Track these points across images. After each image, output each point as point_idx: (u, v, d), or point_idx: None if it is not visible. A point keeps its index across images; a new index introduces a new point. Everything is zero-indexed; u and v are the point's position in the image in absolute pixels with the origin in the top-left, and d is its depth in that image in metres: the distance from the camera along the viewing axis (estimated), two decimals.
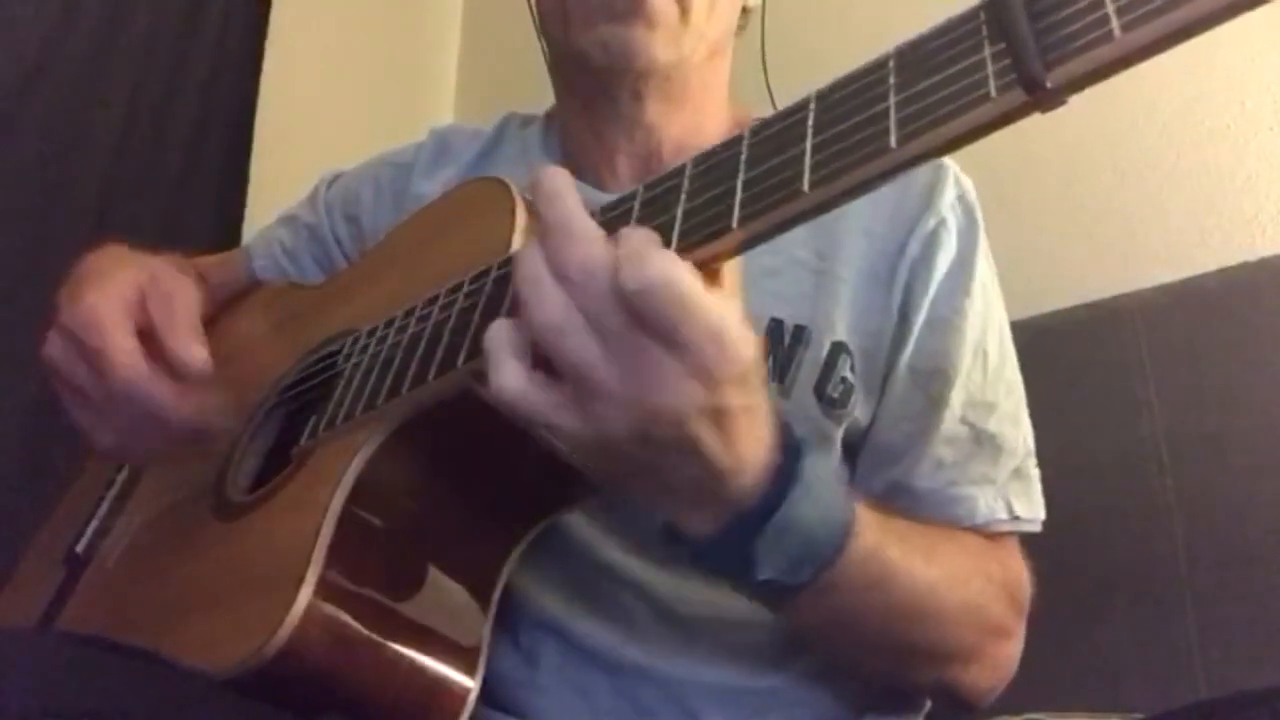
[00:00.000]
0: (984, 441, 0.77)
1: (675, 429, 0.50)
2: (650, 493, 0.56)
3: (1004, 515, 0.76)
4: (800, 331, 0.77)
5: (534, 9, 0.90)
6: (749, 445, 0.54)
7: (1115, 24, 0.35)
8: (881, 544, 0.63)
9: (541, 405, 0.51)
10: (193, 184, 1.60)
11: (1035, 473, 0.81)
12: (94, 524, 0.84)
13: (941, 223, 0.80)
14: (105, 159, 1.49)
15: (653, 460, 0.52)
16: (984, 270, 0.81)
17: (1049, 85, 0.37)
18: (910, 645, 0.70)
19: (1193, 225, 1.21)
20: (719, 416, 0.51)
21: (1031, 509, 0.79)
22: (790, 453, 0.56)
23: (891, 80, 0.42)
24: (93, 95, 1.49)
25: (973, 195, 0.83)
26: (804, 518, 0.57)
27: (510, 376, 0.51)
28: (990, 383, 0.79)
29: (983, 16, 0.40)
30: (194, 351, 0.71)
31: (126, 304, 0.74)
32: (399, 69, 2.04)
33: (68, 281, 0.81)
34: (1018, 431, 0.80)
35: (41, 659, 0.52)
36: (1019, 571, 0.76)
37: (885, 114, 0.41)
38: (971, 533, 0.76)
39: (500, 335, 0.52)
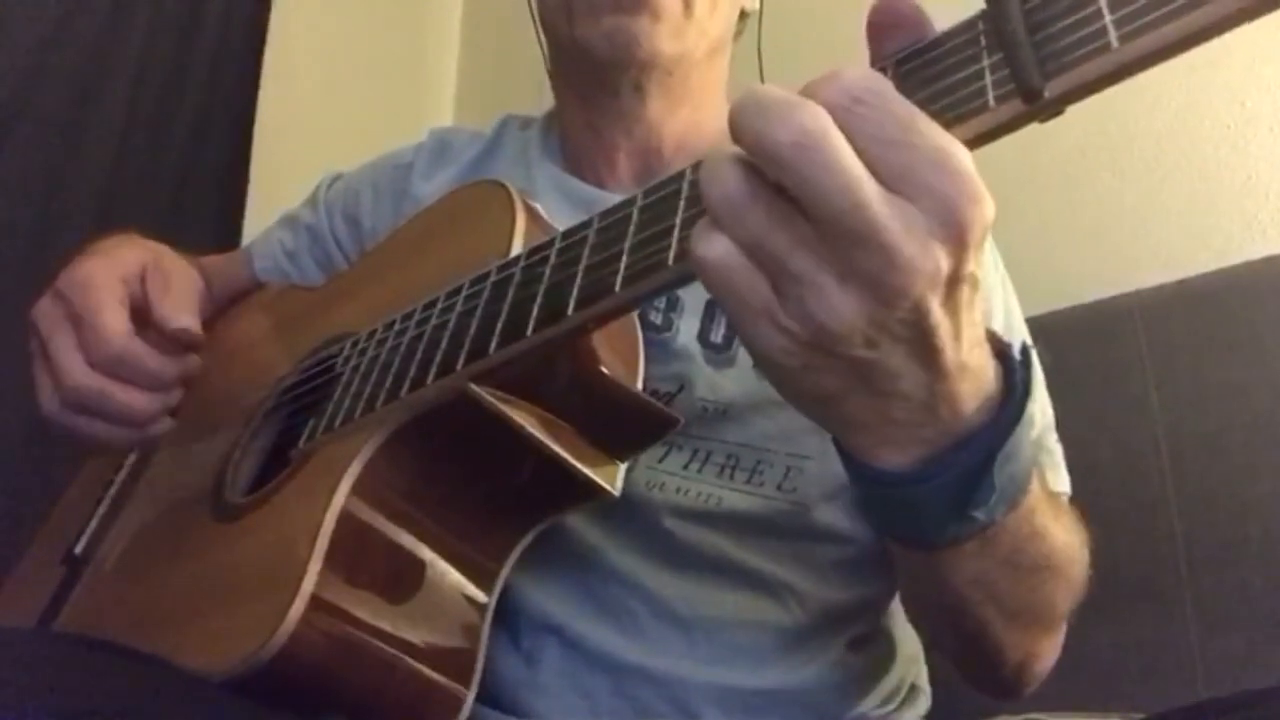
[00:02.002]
0: None
1: (910, 310, 0.41)
2: (860, 415, 0.46)
3: None
4: None
5: (533, 5, 0.90)
6: (974, 344, 0.46)
7: (1113, 35, 0.35)
8: (1041, 494, 0.57)
9: (747, 284, 0.42)
10: (193, 184, 1.60)
11: (1057, 446, 0.80)
12: (92, 525, 0.84)
13: None
14: (105, 159, 1.49)
15: (874, 361, 0.43)
16: (986, 251, 0.81)
17: (1047, 95, 0.37)
18: (1033, 605, 0.65)
19: (1193, 225, 1.21)
20: (953, 294, 0.42)
21: (1056, 481, 0.78)
22: (1010, 359, 0.49)
23: None
24: (93, 95, 1.49)
25: None
26: (1024, 444, 0.49)
27: (714, 241, 0.42)
28: None
29: (981, 27, 0.40)
30: (182, 317, 0.73)
31: (124, 276, 0.76)
32: (399, 69, 2.04)
33: (73, 260, 0.81)
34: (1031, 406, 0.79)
35: (40, 659, 0.52)
36: None
37: None
38: None
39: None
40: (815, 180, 0.39)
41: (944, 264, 0.40)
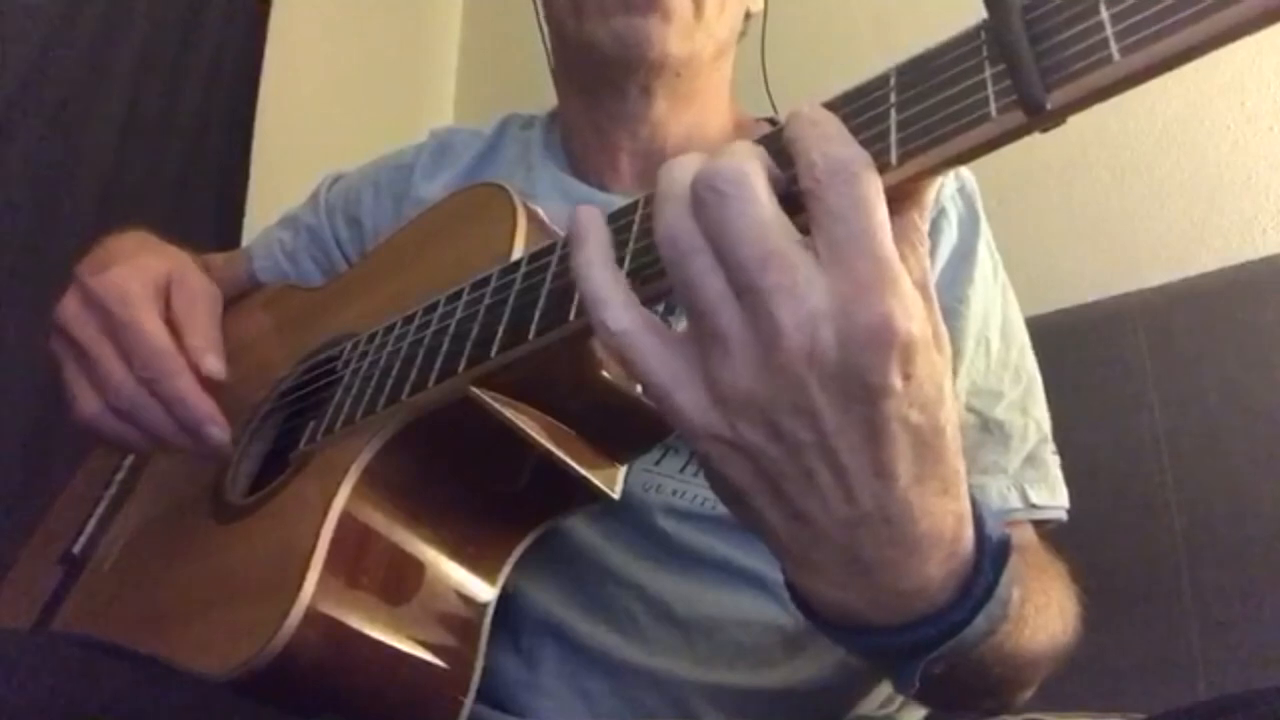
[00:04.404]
0: (992, 429, 0.77)
1: (798, 398, 0.39)
2: (778, 534, 0.44)
3: (1019, 504, 0.76)
4: None
5: (538, 4, 0.90)
6: (919, 502, 0.42)
7: (1114, 47, 0.35)
8: (1013, 630, 0.54)
9: (651, 352, 0.42)
10: (193, 184, 1.60)
11: (1053, 459, 0.80)
12: (91, 525, 0.84)
13: (942, 213, 0.80)
14: (105, 159, 1.49)
15: (776, 454, 0.41)
16: (986, 259, 0.81)
17: (1050, 107, 0.37)
18: (1004, 695, 0.64)
19: (1193, 225, 1.21)
20: (864, 407, 0.40)
21: (1051, 496, 0.78)
22: (988, 553, 0.45)
23: (893, 98, 0.42)
24: (93, 95, 1.49)
25: (973, 186, 0.84)
26: (969, 646, 0.46)
27: (617, 312, 0.43)
28: (994, 370, 0.79)
29: (983, 37, 0.40)
30: (209, 361, 0.73)
31: (155, 288, 0.75)
32: (399, 69, 2.04)
33: (89, 256, 0.81)
34: (1027, 419, 0.79)
35: (38, 660, 0.52)
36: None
37: (886, 132, 0.41)
38: (1034, 549, 0.72)
39: (607, 273, 0.44)
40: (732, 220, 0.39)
41: (834, 354, 0.38)
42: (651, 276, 0.48)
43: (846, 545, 0.43)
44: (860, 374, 0.39)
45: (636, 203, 0.52)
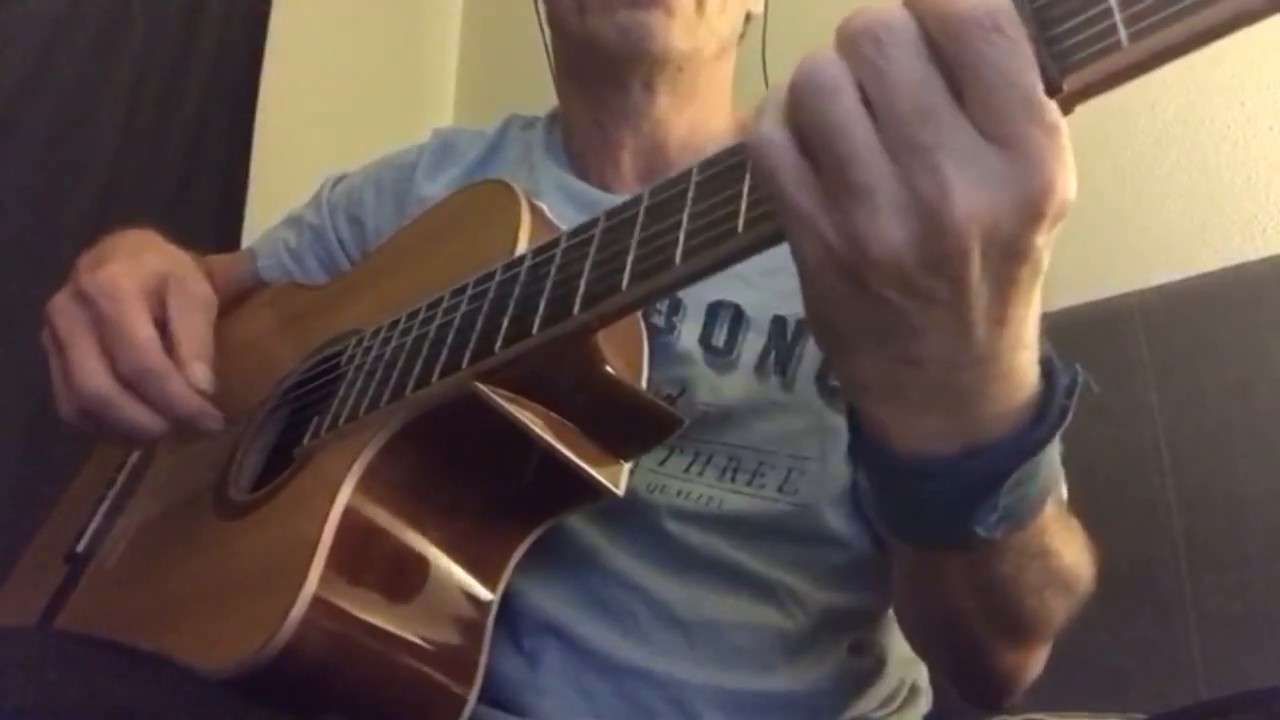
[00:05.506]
0: None
1: (955, 264, 0.39)
2: (872, 375, 0.45)
3: None
4: (802, 326, 0.77)
5: (539, 3, 0.90)
6: (1018, 343, 0.44)
7: (1123, 34, 0.35)
8: (1055, 512, 0.55)
9: (787, 170, 0.40)
10: (193, 184, 1.60)
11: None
12: (95, 522, 0.84)
13: None
14: (105, 159, 1.50)
15: (901, 310, 0.41)
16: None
17: (1066, 90, 0.37)
18: (1030, 621, 0.64)
19: (1193, 225, 1.22)
20: (1005, 267, 0.40)
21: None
22: (1055, 380, 0.47)
23: None
24: (93, 95, 1.50)
25: None
26: (1043, 469, 0.48)
27: (767, 123, 0.41)
28: None
29: None
30: (196, 369, 0.72)
31: (147, 288, 0.75)
32: (399, 69, 2.04)
33: (91, 251, 0.81)
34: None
35: (42, 659, 0.52)
36: None
37: None
38: None
39: (781, 91, 0.42)
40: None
41: (1005, 223, 0.38)
42: (654, 269, 0.48)
43: (947, 381, 0.44)
44: (1023, 241, 0.39)
45: (639, 198, 0.52)
